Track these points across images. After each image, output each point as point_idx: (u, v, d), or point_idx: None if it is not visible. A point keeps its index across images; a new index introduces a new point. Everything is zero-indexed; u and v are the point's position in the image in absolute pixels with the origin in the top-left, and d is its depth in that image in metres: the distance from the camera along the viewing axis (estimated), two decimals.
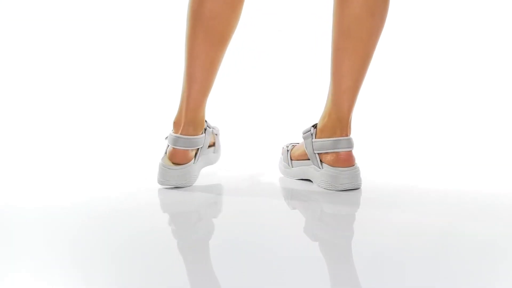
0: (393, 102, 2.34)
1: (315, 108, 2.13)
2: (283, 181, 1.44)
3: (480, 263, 0.89)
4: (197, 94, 1.31)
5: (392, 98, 2.36)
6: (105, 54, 2.50)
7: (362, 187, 1.32)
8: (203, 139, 1.36)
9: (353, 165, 1.30)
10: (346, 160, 1.29)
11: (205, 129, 1.37)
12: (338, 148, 1.29)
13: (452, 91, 2.35)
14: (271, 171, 1.51)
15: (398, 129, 2.08)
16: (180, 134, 1.32)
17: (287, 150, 1.45)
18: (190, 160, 1.34)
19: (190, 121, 1.33)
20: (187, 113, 1.32)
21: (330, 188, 1.29)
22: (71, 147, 1.88)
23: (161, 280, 0.84)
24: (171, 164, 1.32)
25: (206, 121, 1.38)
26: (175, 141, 1.32)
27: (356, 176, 1.30)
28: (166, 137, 1.36)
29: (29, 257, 0.92)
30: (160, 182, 1.32)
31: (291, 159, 1.43)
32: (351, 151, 1.30)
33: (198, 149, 1.35)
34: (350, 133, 1.32)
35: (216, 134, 1.46)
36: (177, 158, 1.32)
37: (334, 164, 1.29)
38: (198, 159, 1.36)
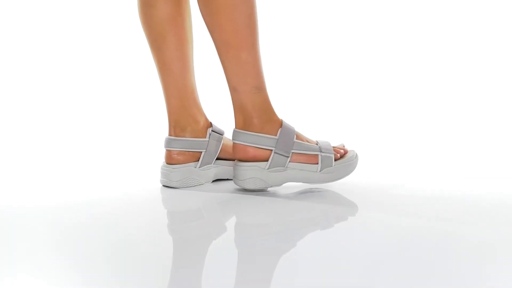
0: (388, 102, 2.34)
1: (317, 108, 2.14)
2: None
3: (479, 265, 0.89)
4: (168, 97, 1.34)
5: (387, 98, 2.37)
6: (106, 55, 2.50)
7: (359, 187, 1.32)
8: (201, 143, 1.35)
9: (244, 160, 1.27)
10: (235, 151, 1.28)
11: (210, 135, 1.36)
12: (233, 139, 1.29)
13: (448, 91, 2.35)
14: None
15: (396, 130, 2.08)
16: (168, 135, 1.36)
17: None
18: (185, 162, 1.34)
19: (175, 122, 1.35)
20: (169, 115, 1.35)
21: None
22: (73, 147, 1.89)
23: (162, 280, 0.84)
24: (166, 164, 1.35)
25: (213, 128, 1.37)
26: (165, 142, 1.36)
27: (240, 174, 1.26)
28: None
29: (30, 257, 0.92)
30: (160, 181, 1.36)
31: None
32: (240, 144, 1.26)
33: (201, 153, 1.35)
34: (252, 128, 1.26)
35: None
36: (168, 158, 1.35)
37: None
38: (202, 164, 1.35)
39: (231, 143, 1.40)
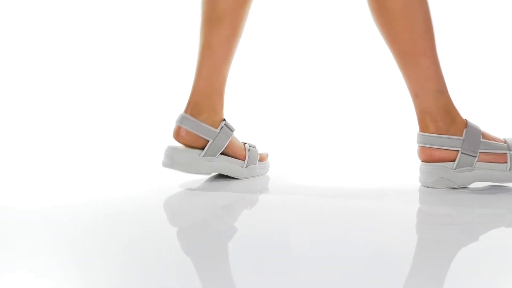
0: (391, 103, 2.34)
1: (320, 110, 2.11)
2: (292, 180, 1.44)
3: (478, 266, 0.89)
4: (197, 78, 1.34)
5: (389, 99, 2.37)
6: (106, 54, 2.50)
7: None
8: (211, 132, 1.34)
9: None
10: (421, 154, 1.30)
11: (222, 128, 1.35)
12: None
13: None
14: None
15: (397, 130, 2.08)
16: (183, 112, 1.35)
17: None
18: (191, 144, 1.34)
19: (194, 103, 1.34)
20: (191, 95, 1.34)
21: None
22: (74, 148, 1.88)
23: (164, 281, 0.84)
24: (171, 146, 1.34)
25: (225, 123, 1.37)
26: (178, 117, 1.35)
27: (427, 174, 1.29)
28: None
29: (30, 257, 0.92)
30: (162, 163, 1.35)
31: None
32: (425, 147, 1.29)
33: (207, 142, 1.35)
34: (437, 131, 1.28)
35: (248, 150, 1.41)
36: (176, 134, 1.34)
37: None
38: (206, 154, 1.34)
39: (238, 142, 1.41)
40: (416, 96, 1.28)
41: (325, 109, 2.37)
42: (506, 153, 1.28)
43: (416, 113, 1.30)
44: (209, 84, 1.35)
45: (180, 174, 1.37)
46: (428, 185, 1.29)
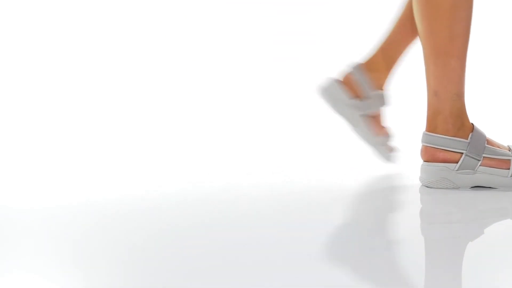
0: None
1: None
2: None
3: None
4: (386, 41, 1.41)
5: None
6: (105, 54, 2.49)
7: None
8: (367, 86, 1.41)
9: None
10: (424, 154, 1.31)
11: (377, 93, 1.42)
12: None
13: None
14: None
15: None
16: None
17: None
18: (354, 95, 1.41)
19: (373, 59, 1.41)
20: (376, 53, 1.42)
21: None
22: (73, 148, 1.88)
23: (164, 281, 0.84)
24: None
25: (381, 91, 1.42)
26: None
27: (428, 174, 1.30)
28: None
29: (31, 258, 0.92)
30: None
31: None
32: (429, 147, 1.29)
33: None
34: (446, 133, 1.28)
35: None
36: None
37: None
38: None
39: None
40: (435, 94, 1.28)
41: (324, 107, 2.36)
42: (509, 160, 1.28)
43: (428, 111, 1.30)
44: (391, 50, 1.41)
45: (179, 174, 1.35)
46: (428, 184, 1.29)
